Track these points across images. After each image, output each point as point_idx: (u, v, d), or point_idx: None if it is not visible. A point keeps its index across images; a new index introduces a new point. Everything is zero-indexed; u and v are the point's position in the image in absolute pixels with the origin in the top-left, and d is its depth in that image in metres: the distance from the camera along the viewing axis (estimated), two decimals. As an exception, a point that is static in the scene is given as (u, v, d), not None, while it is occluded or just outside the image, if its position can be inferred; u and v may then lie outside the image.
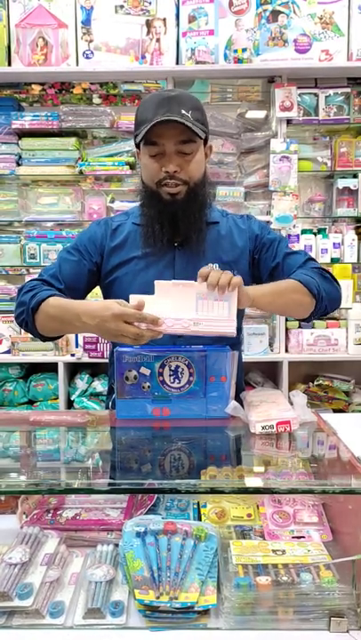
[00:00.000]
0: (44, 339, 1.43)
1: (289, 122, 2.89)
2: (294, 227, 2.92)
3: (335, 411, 2.86)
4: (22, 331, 2.93)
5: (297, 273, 1.42)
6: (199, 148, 1.39)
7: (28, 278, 2.96)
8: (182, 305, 1.17)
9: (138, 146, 1.44)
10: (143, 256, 1.46)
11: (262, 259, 1.51)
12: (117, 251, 1.48)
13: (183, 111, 1.31)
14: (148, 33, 2.85)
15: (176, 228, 1.41)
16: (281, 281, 1.40)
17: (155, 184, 1.39)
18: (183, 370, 1.25)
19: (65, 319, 1.29)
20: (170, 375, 1.26)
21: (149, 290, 1.21)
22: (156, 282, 1.21)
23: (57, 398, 2.93)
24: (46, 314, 1.32)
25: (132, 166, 2.91)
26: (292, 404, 1.25)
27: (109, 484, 1.00)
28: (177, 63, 2.87)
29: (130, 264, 1.46)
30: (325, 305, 1.43)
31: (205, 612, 0.94)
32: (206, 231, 1.46)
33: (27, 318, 1.36)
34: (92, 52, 2.86)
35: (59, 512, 1.21)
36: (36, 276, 1.46)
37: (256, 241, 1.51)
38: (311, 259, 1.51)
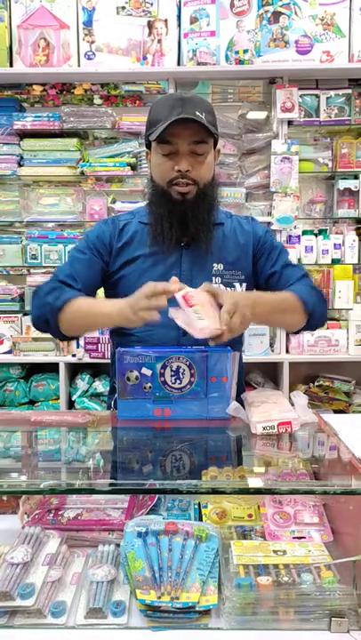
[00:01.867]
0: (64, 338, 1.44)
1: (290, 123, 2.90)
2: (295, 227, 2.93)
3: (336, 411, 2.86)
4: (24, 331, 2.94)
5: (296, 287, 1.44)
6: (210, 151, 1.42)
7: (29, 279, 2.98)
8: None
9: (148, 146, 1.46)
10: (150, 255, 1.47)
11: (261, 263, 1.52)
12: (124, 249, 1.49)
13: (197, 112, 1.33)
14: (150, 34, 2.85)
15: (185, 227, 1.42)
16: (281, 294, 1.41)
17: (165, 183, 1.40)
18: (184, 370, 1.26)
19: (93, 311, 1.33)
20: (171, 376, 1.26)
21: None
22: None
23: (58, 398, 2.93)
24: (75, 310, 1.34)
25: (133, 167, 2.92)
26: (292, 404, 1.25)
27: (111, 485, 1.00)
28: (178, 64, 2.88)
29: (136, 262, 1.47)
30: (314, 324, 1.48)
31: (206, 612, 0.94)
32: (213, 233, 1.47)
33: (50, 317, 1.36)
34: (93, 53, 2.86)
35: (60, 512, 1.21)
36: (48, 278, 1.46)
37: (259, 244, 1.53)
38: (308, 275, 1.53)
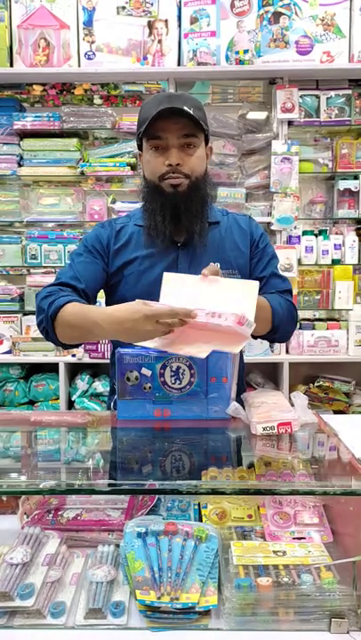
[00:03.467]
0: (66, 346, 1.41)
1: (290, 123, 2.90)
2: (295, 228, 2.93)
3: (336, 412, 2.86)
4: (23, 331, 2.94)
5: (274, 297, 1.44)
6: (201, 145, 1.42)
7: (29, 279, 2.98)
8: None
9: (140, 147, 1.46)
10: (147, 256, 1.47)
11: (252, 264, 1.53)
12: (121, 251, 1.49)
13: (186, 107, 1.34)
14: (150, 34, 2.85)
15: (178, 221, 1.42)
16: (260, 301, 1.39)
17: (157, 178, 1.40)
18: (184, 371, 1.26)
19: (83, 327, 1.27)
20: (171, 376, 1.26)
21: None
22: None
23: (57, 399, 2.93)
24: (65, 322, 1.30)
25: (133, 167, 2.92)
26: (292, 405, 1.25)
27: (110, 485, 1.00)
28: (178, 64, 2.88)
29: (134, 264, 1.47)
30: (274, 338, 1.49)
31: (206, 612, 0.94)
32: (208, 231, 1.47)
33: (47, 327, 1.33)
34: (93, 53, 2.86)
35: (60, 512, 1.21)
36: (52, 281, 1.44)
37: (253, 245, 1.53)
38: (290, 291, 1.53)
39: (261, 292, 1.49)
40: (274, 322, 1.39)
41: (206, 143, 1.46)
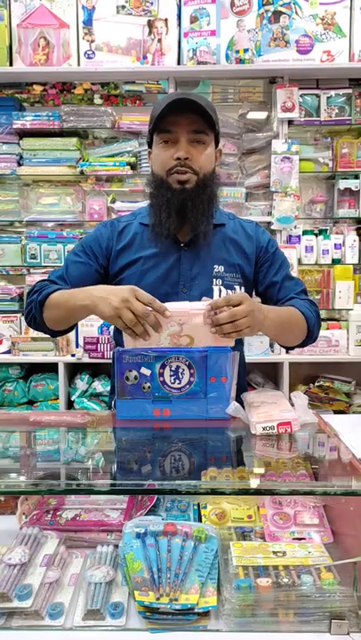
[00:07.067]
0: (54, 333, 1.46)
1: (290, 122, 2.90)
2: (295, 227, 2.92)
3: (336, 412, 2.86)
4: (23, 331, 2.93)
5: (298, 302, 1.44)
6: (210, 144, 1.42)
7: (28, 279, 2.98)
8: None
9: (150, 144, 1.47)
10: (150, 256, 1.46)
11: (262, 271, 1.52)
12: (124, 251, 1.48)
13: (198, 103, 1.35)
14: (150, 33, 2.85)
15: (184, 219, 1.41)
16: (287, 309, 1.41)
17: (165, 172, 1.40)
18: (184, 370, 1.25)
19: (69, 302, 1.32)
20: (170, 375, 1.25)
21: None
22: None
23: (57, 399, 2.93)
24: (52, 303, 1.36)
25: (133, 166, 2.92)
26: (293, 405, 1.24)
27: (109, 485, 1.00)
28: (178, 63, 2.87)
29: (137, 264, 1.47)
30: (308, 342, 1.50)
31: (205, 613, 0.93)
32: (213, 233, 1.46)
33: (35, 313, 1.40)
34: (93, 52, 2.86)
35: (58, 513, 1.21)
36: (43, 279, 1.49)
37: (261, 252, 1.52)
38: (305, 290, 1.54)
39: (278, 296, 1.49)
40: (309, 328, 1.42)
41: (216, 145, 1.46)
